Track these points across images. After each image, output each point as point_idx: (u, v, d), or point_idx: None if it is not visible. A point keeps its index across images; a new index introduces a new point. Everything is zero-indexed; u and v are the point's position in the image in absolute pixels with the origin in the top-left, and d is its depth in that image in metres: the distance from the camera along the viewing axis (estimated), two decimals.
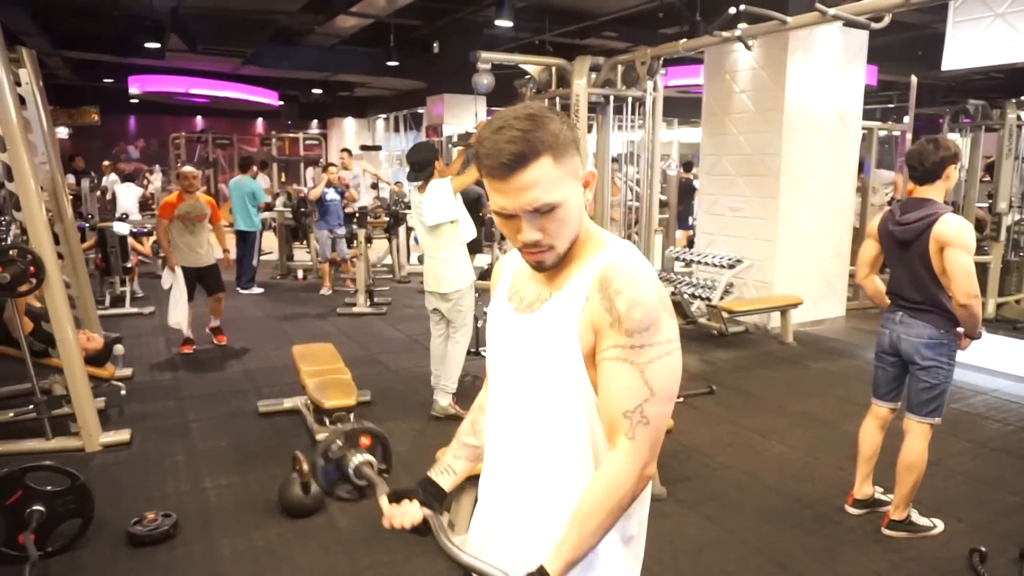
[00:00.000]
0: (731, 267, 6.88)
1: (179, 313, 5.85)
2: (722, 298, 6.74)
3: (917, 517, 3.15)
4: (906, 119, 7.55)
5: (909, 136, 7.97)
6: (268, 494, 3.40)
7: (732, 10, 4.35)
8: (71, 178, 13.51)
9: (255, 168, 9.34)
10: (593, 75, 4.95)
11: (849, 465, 3.87)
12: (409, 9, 10.11)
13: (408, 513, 1.37)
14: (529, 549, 1.25)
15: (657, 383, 1.15)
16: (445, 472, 1.47)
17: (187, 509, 3.32)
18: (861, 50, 7.01)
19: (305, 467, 3.27)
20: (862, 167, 7.89)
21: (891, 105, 16.53)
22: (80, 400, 3.92)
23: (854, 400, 4.96)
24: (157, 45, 10.90)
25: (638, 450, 1.14)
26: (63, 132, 18.09)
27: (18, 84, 4.59)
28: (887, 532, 3.13)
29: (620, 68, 4.94)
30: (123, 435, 4.08)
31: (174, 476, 3.71)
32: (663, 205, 10.18)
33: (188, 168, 6.20)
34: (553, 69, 5.06)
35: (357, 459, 1.54)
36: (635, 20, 10.87)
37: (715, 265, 7.03)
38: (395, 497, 1.40)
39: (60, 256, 4.99)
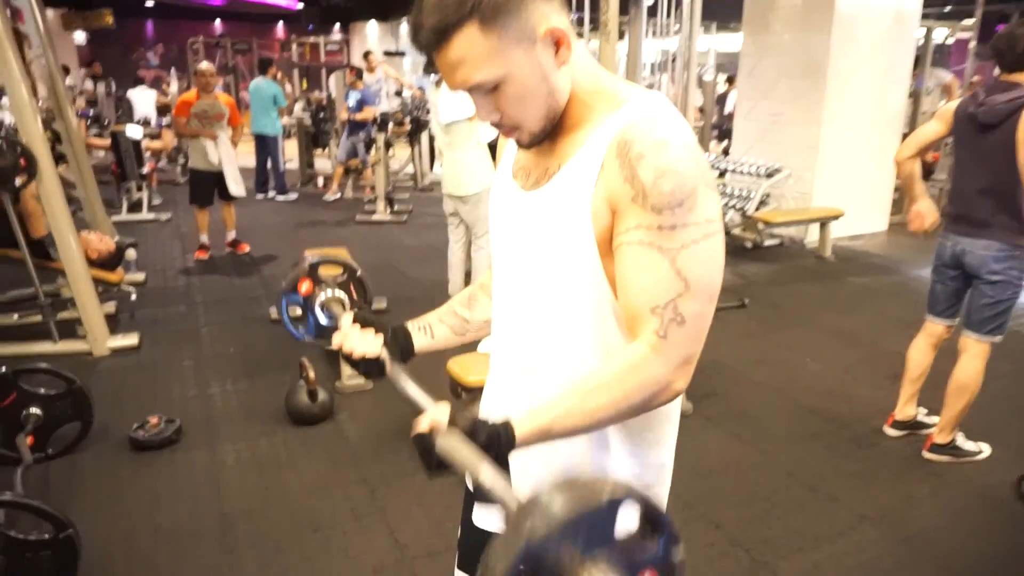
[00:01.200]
0: (769, 176, 6.48)
1: (234, 181, 5.76)
2: (758, 208, 6.38)
3: (963, 441, 2.93)
4: (969, 21, 6.92)
5: (973, 44, 7.34)
6: (275, 401, 3.28)
7: None
8: (89, 83, 13.28)
9: (275, 70, 8.91)
10: None
11: (888, 385, 3.64)
12: None
13: (366, 342, 1.16)
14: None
15: (694, 273, 0.91)
16: (423, 330, 1.25)
17: (192, 415, 3.22)
18: None
19: (312, 374, 3.13)
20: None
21: (947, 8, 15.39)
22: (84, 303, 3.80)
23: (894, 318, 4.68)
24: None
25: (670, 351, 0.91)
26: (80, 37, 17.70)
27: None
28: (928, 456, 2.92)
29: None
30: (131, 339, 3.98)
31: (181, 381, 3.61)
32: (700, 111, 9.66)
33: (205, 65, 5.91)
34: None
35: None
36: None
37: (751, 174, 6.62)
38: (363, 319, 1.20)
39: (63, 156, 4.81)
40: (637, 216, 0.90)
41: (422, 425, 0.92)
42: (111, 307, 4.48)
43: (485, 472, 0.85)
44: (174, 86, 13.07)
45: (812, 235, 6.43)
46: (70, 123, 4.75)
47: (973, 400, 2.84)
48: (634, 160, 0.90)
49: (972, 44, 6.81)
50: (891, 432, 3.11)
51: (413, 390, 1.09)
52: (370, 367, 1.16)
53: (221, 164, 5.68)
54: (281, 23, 20.09)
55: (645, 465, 1.08)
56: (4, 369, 2.67)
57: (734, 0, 7.12)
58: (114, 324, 4.28)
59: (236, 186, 5.73)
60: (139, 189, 7.83)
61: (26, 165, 3.47)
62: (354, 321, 1.19)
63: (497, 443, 0.89)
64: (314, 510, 2.57)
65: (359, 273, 1.36)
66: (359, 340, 1.17)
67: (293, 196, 8.76)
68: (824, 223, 6.14)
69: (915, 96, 7.54)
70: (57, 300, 3.97)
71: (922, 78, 7.32)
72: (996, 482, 2.77)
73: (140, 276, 5.18)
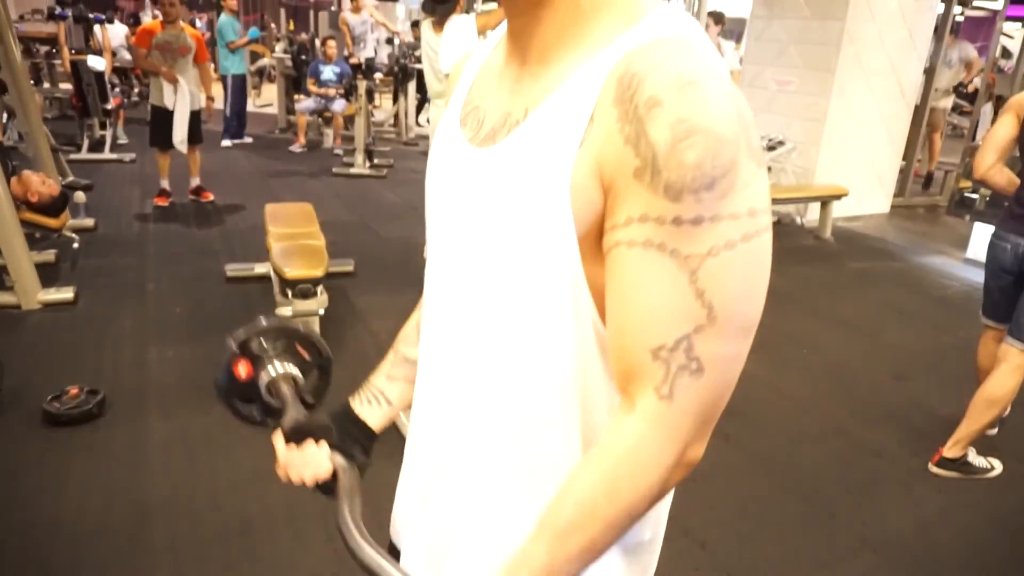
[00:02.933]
0: (771, 149, 6.10)
1: (182, 132, 5.32)
2: None
3: (974, 456, 2.65)
4: (999, 1, 6.49)
5: (1001, 21, 6.95)
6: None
7: None
8: (59, 9, 12.54)
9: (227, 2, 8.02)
10: None
11: (891, 384, 3.36)
12: None
13: (311, 462, 0.85)
14: (466, 532, 0.77)
15: (723, 296, 0.57)
16: (373, 401, 0.94)
17: (121, 384, 2.86)
18: None
19: None
20: None
21: None
22: (13, 250, 3.41)
23: (896, 308, 4.40)
24: None
25: (675, 419, 0.59)
26: None
27: None
28: (935, 470, 2.64)
29: None
30: (66, 293, 3.59)
31: (116, 344, 3.25)
32: None
33: None
34: None
35: (275, 370, 0.99)
36: None
37: None
38: (296, 435, 0.87)
39: (2, 84, 4.36)
40: (642, 201, 0.56)
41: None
42: (50, 255, 4.09)
43: None
44: (147, 15, 12.36)
45: (811, 214, 6.10)
46: (10, 48, 4.27)
47: (999, 417, 2.55)
48: (643, 108, 0.55)
49: (1000, 22, 6.41)
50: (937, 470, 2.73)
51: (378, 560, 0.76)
52: (327, 490, 0.87)
53: (160, 103, 5.25)
54: None
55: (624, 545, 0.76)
56: None
57: None
58: (53, 274, 3.89)
59: (178, 133, 5.27)
60: (103, 127, 7.34)
61: None
62: (287, 440, 0.86)
63: None
64: (245, 508, 2.24)
65: (303, 331, 1.02)
66: (301, 462, 0.85)
67: (248, 140, 8.26)
68: (826, 202, 5.81)
69: (929, 71, 7.17)
70: None
71: (944, 51, 6.92)
72: (1011, 503, 2.50)
73: (89, 222, 4.78)
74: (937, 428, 2.84)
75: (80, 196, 4.72)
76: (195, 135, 5.48)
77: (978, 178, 2.56)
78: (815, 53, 5.98)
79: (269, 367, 0.98)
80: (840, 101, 5.96)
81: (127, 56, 9.49)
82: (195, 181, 5.74)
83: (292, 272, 3.09)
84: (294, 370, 0.99)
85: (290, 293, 3.16)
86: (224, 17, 7.84)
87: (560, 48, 0.64)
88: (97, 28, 9.32)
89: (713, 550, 2.19)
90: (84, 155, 6.95)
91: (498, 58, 0.73)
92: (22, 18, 10.78)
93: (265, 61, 11.89)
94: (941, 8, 6.55)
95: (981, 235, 5.40)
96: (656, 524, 0.80)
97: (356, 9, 9.37)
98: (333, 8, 15.15)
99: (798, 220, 6.22)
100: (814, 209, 6.03)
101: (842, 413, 3.06)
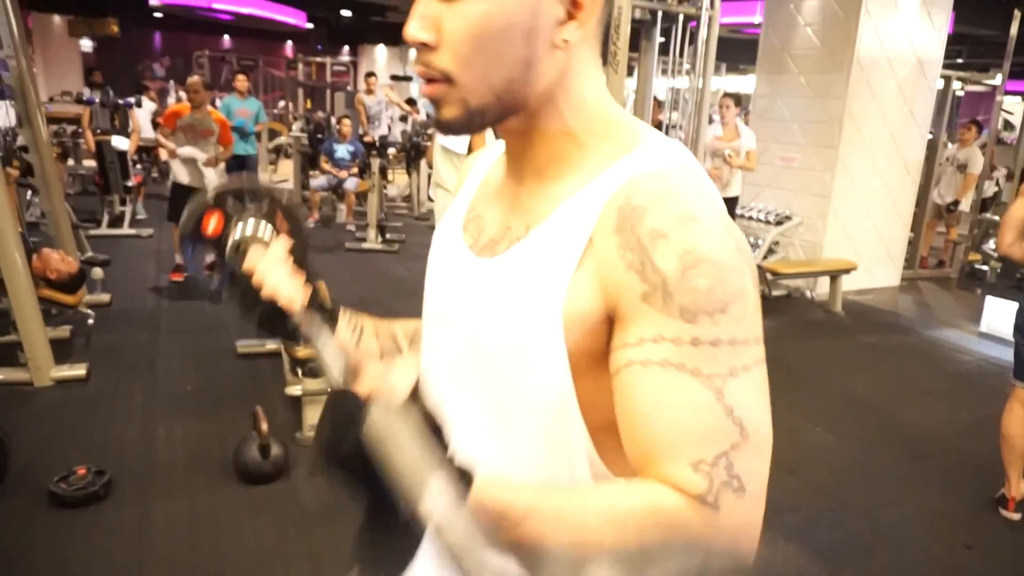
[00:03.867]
0: (778, 223, 6.17)
1: None
2: (766, 257, 6.06)
3: None
4: (997, 78, 6.68)
5: (1001, 96, 7.11)
6: (226, 451, 2.91)
7: None
8: (87, 91, 13.06)
9: (238, 80, 7.65)
10: None
11: (909, 464, 3.29)
12: None
13: (284, 283, 0.83)
14: None
15: (751, 414, 0.59)
16: (353, 327, 0.90)
17: (128, 463, 2.85)
18: None
19: (265, 427, 2.77)
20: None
21: (959, 60, 15.25)
22: (28, 327, 3.45)
23: (910, 384, 4.35)
24: None
25: (724, 528, 0.58)
26: (87, 45, 17.57)
27: None
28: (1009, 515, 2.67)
29: None
30: (79, 370, 3.62)
31: (124, 421, 3.25)
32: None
33: (195, 78, 5.62)
34: None
35: (240, 230, 0.88)
36: None
37: (760, 220, 6.32)
38: (296, 254, 0.87)
39: (29, 166, 4.51)
40: (655, 323, 0.58)
41: (359, 384, 0.59)
42: (65, 331, 4.13)
43: (436, 490, 0.52)
44: (172, 99, 12.86)
45: (821, 287, 6.11)
46: (38, 131, 4.44)
47: None
48: (646, 239, 0.58)
49: (999, 97, 6.57)
50: (1013, 516, 2.79)
51: (337, 360, 0.74)
52: (273, 318, 0.81)
53: (178, 179, 5.41)
54: (290, 42, 20.02)
55: None
56: None
57: (745, 43, 6.91)
58: (66, 350, 3.93)
59: None
60: (123, 203, 7.53)
61: None
62: (290, 253, 0.85)
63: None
64: None
65: (285, 201, 0.96)
66: (277, 274, 0.82)
67: None
68: (835, 276, 5.82)
69: (931, 146, 7.29)
70: (1, 322, 3.63)
71: (955, 154, 7.11)
72: None
73: (105, 297, 4.85)
74: (961, 511, 2.77)
75: (97, 272, 4.81)
76: None
77: (1001, 254, 2.79)
78: (818, 130, 6.12)
79: (241, 225, 0.89)
80: (845, 176, 6.06)
81: (151, 135, 9.82)
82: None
83: (303, 351, 3.11)
84: (269, 229, 0.90)
85: (300, 371, 3.17)
86: (227, 98, 7.56)
87: (556, 169, 0.67)
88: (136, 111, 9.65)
89: None
90: (103, 230, 7.10)
91: (499, 170, 0.76)
92: (52, 100, 11.22)
93: (282, 139, 12.26)
94: (941, 84, 6.72)
95: (993, 308, 5.38)
96: None
97: (370, 91, 9.71)
98: (349, 88, 15.69)
99: (808, 294, 6.22)
100: (823, 282, 6.04)
101: (859, 497, 2.99)
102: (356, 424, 0.54)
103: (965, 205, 7.14)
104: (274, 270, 0.83)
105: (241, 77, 7.70)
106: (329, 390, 0.63)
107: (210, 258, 0.92)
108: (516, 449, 0.68)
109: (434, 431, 0.55)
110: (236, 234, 0.87)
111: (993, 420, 2.81)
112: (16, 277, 3.38)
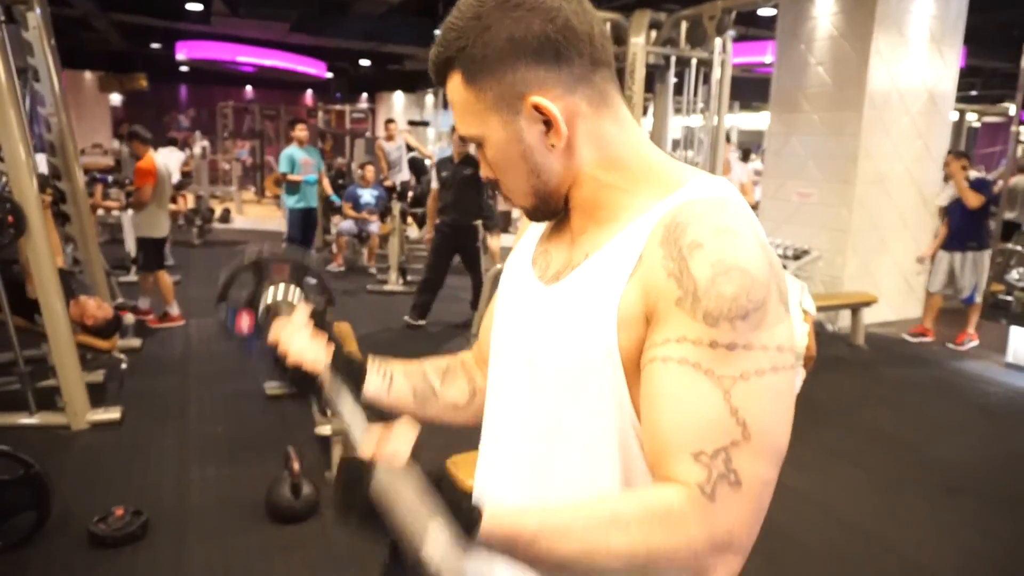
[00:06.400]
0: (796, 258, 6.20)
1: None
2: None
3: None
4: (1011, 109, 6.71)
5: (1016, 127, 7.14)
6: (257, 492, 2.96)
7: None
8: (116, 143, 13.49)
9: (299, 129, 7.11)
10: (653, 33, 4.38)
11: (943, 499, 3.26)
12: None
13: (308, 347, 0.92)
14: None
15: (756, 418, 0.64)
16: (382, 374, 0.98)
17: (164, 505, 2.91)
18: (959, 19, 6.22)
19: (296, 466, 2.83)
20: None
21: (973, 92, 15.33)
22: (66, 373, 3.55)
23: (938, 419, 4.32)
24: (200, 7, 10.63)
25: (716, 517, 0.63)
26: (116, 99, 18.17)
27: (25, 29, 4.24)
28: None
29: (684, 25, 4.34)
30: (113, 414, 3.71)
31: (159, 464, 3.32)
32: None
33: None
34: (608, 25, 4.51)
35: (272, 294, 1.00)
36: None
37: (778, 256, 6.34)
38: (317, 318, 0.97)
39: (66, 215, 4.67)
40: (682, 325, 0.65)
41: (363, 448, 0.67)
42: (99, 376, 4.23)
43: (435, 535, 0.58)
44: (198, 148, 13.23)
45: (843, 320, 6.11)
46: (77, 183, 4.62)
47: None
48: (686, 250, 0.66)
49: (1014, 127, 6.58)
50: None
51: (355, 418, 0.82)
52: (302, 381, 0.89)
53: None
54: (310, 91, 20.56)
55: None
56: None
57: (757, 82, 7.04)
58: (100, 394, 4.02)
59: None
60: None
61: (14, 222, 3.29)
62: (311, 317, 0.95)
63: (455, 516, 0.62)
64: None
65: (308, 263, 1.06)
66: (300, 341, 0.91)
67: None
68: (856, 309, 5.82)
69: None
70: (39, 367, 3.73)
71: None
72: None
73: (136, 342, 4.97)
74: (997, 549, 2.74)
75: (128, 318, 4.94)
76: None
77: None
78: (833, 166, 6.18)
79: (272, 290, 0.99)
80: (862, 211, 6.10)
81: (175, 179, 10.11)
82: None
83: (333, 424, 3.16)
84: (299, 294, 1.01)
85: (328, 411, 3.23)
86: (289, 148, 6.99)
87: (609, 213, 0.77)
88: (161, 153, 9.89)
89: None
90: (133, 276, 7.27)
91: (564, 215, 0.84)
92: (83, 152, 11.59)
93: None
94: (956, 116, 6.78)
95: (1020, 338, 5.34)
96: None
97: (390, 137, 9.95)
98: (368, 135, 16.04)
99: (829, 327, 6.21)
100: (845, 317, 6.04)
101: (891, 533, 2.97)
102: (364, 485, 0.62)
103: None
104: (296, 338, 0.92)
105: (301, 125, 7.15)
106: (341, 457, 0.70)
107: (247, 321, 1.02)
108: (583, 449, 0.75)
109: (437, 483, 0.63)
110: (268, 299, 0.98)
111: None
112: (57, 324, 3.50)
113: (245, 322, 1.01)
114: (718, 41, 4.11)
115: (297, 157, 6.85)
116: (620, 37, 4.30)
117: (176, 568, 2.53)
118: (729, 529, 0.64)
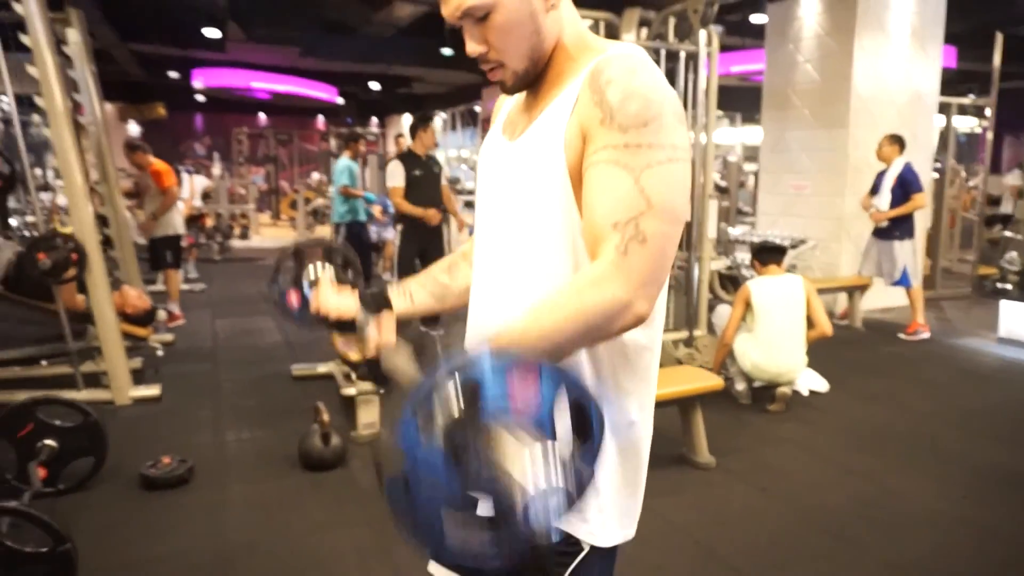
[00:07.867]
0: (793, 247, 6.45)
1: None
2: None
3: None
4: (986, 111, 6.99)
5: (988, 114, 7.41)
6: (288, 449, 3.24)
7: None
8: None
9: (353, 145, 6.98)
10: (643, 31, 4.68)
11: (924, 442, 3.49)
12: None
13: (341, 300, 1.21)
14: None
15: (657, 193, 0.91)
16: (403, 295, 1.25)
17: (205, 458, 3.19)
18: (938, 14, 6.52)
19: (326, 418, 3.11)
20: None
21: (972, 96, 15.55)
22: (111, 352, 3.87)
23: (927, 380, 4.56)
24: (217, 33, 11.10)
25: (631, 268, 0.88)
26: (134, 128, 18.76)
27: (64, 43, 4.62)
28: None
29: (672, 20, 4.64)
30: (153, 390, 4.01)
31: (197, 428, 3.61)
32: (723, 192, 9.78)
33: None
34: (602, 24, 4.81)
35: (312, 271, 1.29)
36: None
37: None
38: (337, 279, 1.29)
39: (109, 239, 4.96)
40: (605, 136, 0.92)
41: (370, 341, 1.06)
42: (137, 363, 4.54)
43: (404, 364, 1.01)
44: (217, 169, 13.71)
45: (841, 306, 6.34)
46: (118, 208, 5.02)
47: None
48: (603, 85, 0.93)
49: (989, 135, 6.86)
50: None
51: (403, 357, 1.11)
52: (345, 326, 1.18)
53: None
54: (321, 116, 21.11)
55: (612, 423, 1.04)
56: (24, 399, 2.71)
57: (757, 92, 7.32)
58: (138, 378, 4.32)
59: None
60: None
61: (77, 259, 3.66)
62: (339, 280, 1.25)
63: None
64: (318, 549, 2.49)
65: (335, 246, 1.37)
66: (334, 298, 1.21)
67: None
68: (851, 292, 6.06)
69: (941, 173, 7.60)
70: (84, 350, 4.05)
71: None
72: None
73: (169, 337, 5.29)
74: (966, 475, 2.97)
75: (162, 314, 5.27)
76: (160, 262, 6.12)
77: None
78: (825, 158, 6.46)
79: (311, 267, 1.29)
80: (854, 200, 6.35)
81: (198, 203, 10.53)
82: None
83: (356, 356, 3.46)
84: (331, 271, 1.31)
85: (353, 376, 3.52)
86: (341, 160, 6.84)
87: (559, 78, 1.04)
88: (186, 177, 10.34)
89: (747, 574, 2.34)
90: (161, 287, 7.61)
91: (522, 95, 1.12)
92: None
93: (320, 202, 12.93)
94: (942, 120, 7.05)
95: (1009, 315, 5.55)
96: (641, 409, 1.07)
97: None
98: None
99: (830, 311, 6.43)
100: (843, 301, 6.26)
101: (875, 465, 3.20)
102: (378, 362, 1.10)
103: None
104: (330, 297, 1.22)
105: (362, 140, 7.24)
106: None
107: (295, 297, 1.31)
108: (543, 245, 1.02)
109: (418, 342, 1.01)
110: (310, 276, 1.29)
111: (1007, 404, 3.03)
112: (104, 310, 3.83)
113: (294, 298, 1.30)
114: (703, 33, 4.39)
115: (355, 169, 6.82)
116: (612, 35, 4.60)
117: (220, 504, 2.81)
118: (641, 272, 0.90)
